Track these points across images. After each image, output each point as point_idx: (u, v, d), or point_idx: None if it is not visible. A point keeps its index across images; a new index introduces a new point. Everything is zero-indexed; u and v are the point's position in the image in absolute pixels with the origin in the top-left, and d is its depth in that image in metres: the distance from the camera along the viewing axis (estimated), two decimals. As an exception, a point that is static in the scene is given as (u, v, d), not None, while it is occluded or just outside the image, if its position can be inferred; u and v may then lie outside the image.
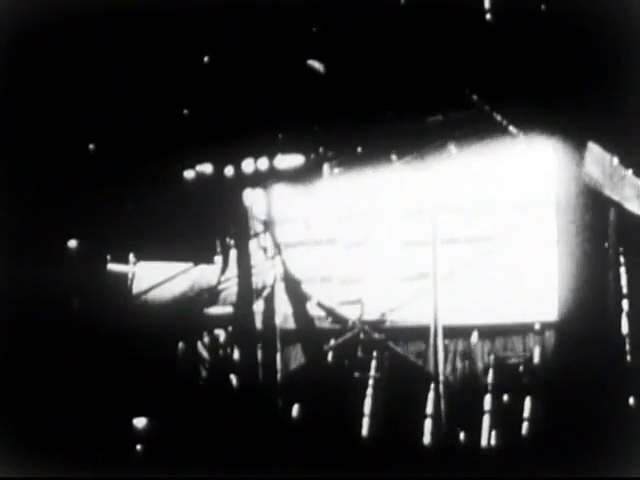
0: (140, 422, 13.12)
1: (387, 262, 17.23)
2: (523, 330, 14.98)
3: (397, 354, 15.66)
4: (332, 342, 16.15)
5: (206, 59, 11.40)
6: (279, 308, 14.29)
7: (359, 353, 15.95)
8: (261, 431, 13.68)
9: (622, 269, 10.48)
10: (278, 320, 14.29)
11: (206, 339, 15.32)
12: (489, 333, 15.28)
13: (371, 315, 16.41)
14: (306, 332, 14.04)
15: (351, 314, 16.55)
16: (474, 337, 15.26)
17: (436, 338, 13.72)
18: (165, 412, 13.30)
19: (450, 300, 14.57)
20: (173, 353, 14.49)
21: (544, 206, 12.32)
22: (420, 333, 15.12)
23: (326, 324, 16.15)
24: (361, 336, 16.06)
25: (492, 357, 14.92)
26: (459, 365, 15.01)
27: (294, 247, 14.56)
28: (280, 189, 13.93)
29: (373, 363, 15.73)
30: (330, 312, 16.50)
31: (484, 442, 14.16)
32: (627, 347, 10.48)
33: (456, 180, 15.82)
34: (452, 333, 14.92)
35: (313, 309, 15.16)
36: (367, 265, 17.45)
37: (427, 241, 14.18)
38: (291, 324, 14.28)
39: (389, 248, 17.28)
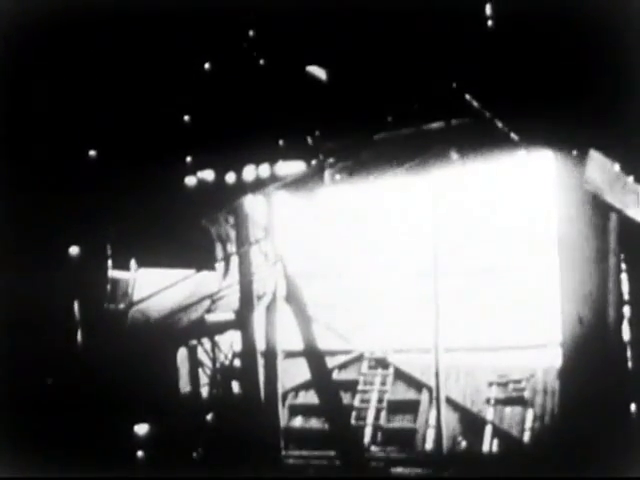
0: (141, 428, 13.11)
1: (395, 289, 17.47)
2: (525, 348, 15.06)
3: (401, 371, 15.76)
4: (338, 359, 16.28)
5: (207, 66, 11.41)
6: (283, 325, 14.31)
7: (364, 369, 16.07)
8: (262, 439, 13.68)
9: (623, 275, 10.46)
10: (281, 337, 14.30)
11: (207, 345, 15.33)
12: (492, 352, 15.38)
13: (377, 337, 16.64)
14: (311, 348, 14.06)
15: (358, 336, 16.76)
16: (477, 355, 15.33)
17: (437, 355, 13.73)
18: (165, 418, 13.29)
19: (455, 321, 14.66)
20: (174, 359, 14.48)
21: (545, 221, 12.33)
22: (424, 352, 15.20)
23: (332, 345, 16.30)
24: (367, 355, 16.20)
25: (495, 374, 14.98)
26: (462, 381, 15.05)
27: (302, 277, 14.60)
28: (282, 197, 13.96)
29: (378, 379, 15.81)
30: (337, 333, 16.64)
31: (485, 449, 14.18)
32: (628, 354, 10.46)
33: (459, 201, 15.97)
34: (455, 352, 14.99)
35: (320, 331, 15.20)
36: (375, 292, 17.67)
37: (441, 270, 14.22)
38: (296, 340, 14.29)
39: (399, 277, 17.51)
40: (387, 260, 18.38)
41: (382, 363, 16.07)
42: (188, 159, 12.88)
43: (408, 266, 17.63)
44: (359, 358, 16.31)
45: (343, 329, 16.94)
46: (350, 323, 17.32)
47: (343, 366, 16.32)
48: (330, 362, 15.40)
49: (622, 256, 10.42)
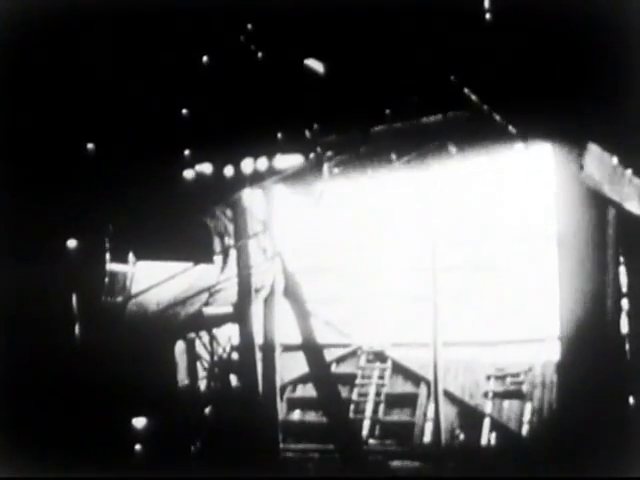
0: (139, 422, 13.10)
1: (394, 284, 17.50)
2: (523, 342, 15.10)
3: (399, 364, 15.81)
4: (336, 353, 16.31)
5: (205, 59, 11.39)
6: (281, 318, 14.31)
7: (362, 363, 16.10)
8: (260, 432, 13.69)
9: (621, 268, 10.47)
10: (279, 330, 14.30)
11: (205, 338, 15.33)
12: (490, 347, 15.41)
13: (375, 331, 16.67)
14: (309, 342, 14.07)
15: (357, 330, 16.80)
16: (476, 349, 15.36)
17: (436, 349, 13.75)
18: (164, 411, 13.28)
19: (453, 315, 14.70)
20: (172, 352, 14.48)
21: (544, 214, 12.34)
22: (422, 346, 15.24)
23: (330, 339, 16.33)
24: (365, 348, 16.23)
25: (493, 368, 15.02)
26: (460, 375, 15.08)
27: (300, 271, 14.59)
28: (280, 191, 13.95)
29: (376, 372, 15.84)
30: (335, 328, 16.67)
31: (483, 442, 14.21)
32: (627, 346, 10.47)
33: (457, 194, 15.99)
34: (454, 346, 15.02)
35: (319, 324, 15.21)
36: (373, 286, 17.69)
37: (439, 264, 14.22)
38: (294, 334, 14.30)
39: (397, 271, 17.54)
40: (385, 254, 18.39)
41: (380, 357, 16.10)
42: (186, 152, 12.86)
43: (406, 260, 17.65)
44: (357, 352, 16.33)
45: (341, 323, 16.96)
46: (348, 317, 17.34)
47: (341, 360, 16.35)
48: (328, 355, 15.42)
49: (620, 249, 10.43)
